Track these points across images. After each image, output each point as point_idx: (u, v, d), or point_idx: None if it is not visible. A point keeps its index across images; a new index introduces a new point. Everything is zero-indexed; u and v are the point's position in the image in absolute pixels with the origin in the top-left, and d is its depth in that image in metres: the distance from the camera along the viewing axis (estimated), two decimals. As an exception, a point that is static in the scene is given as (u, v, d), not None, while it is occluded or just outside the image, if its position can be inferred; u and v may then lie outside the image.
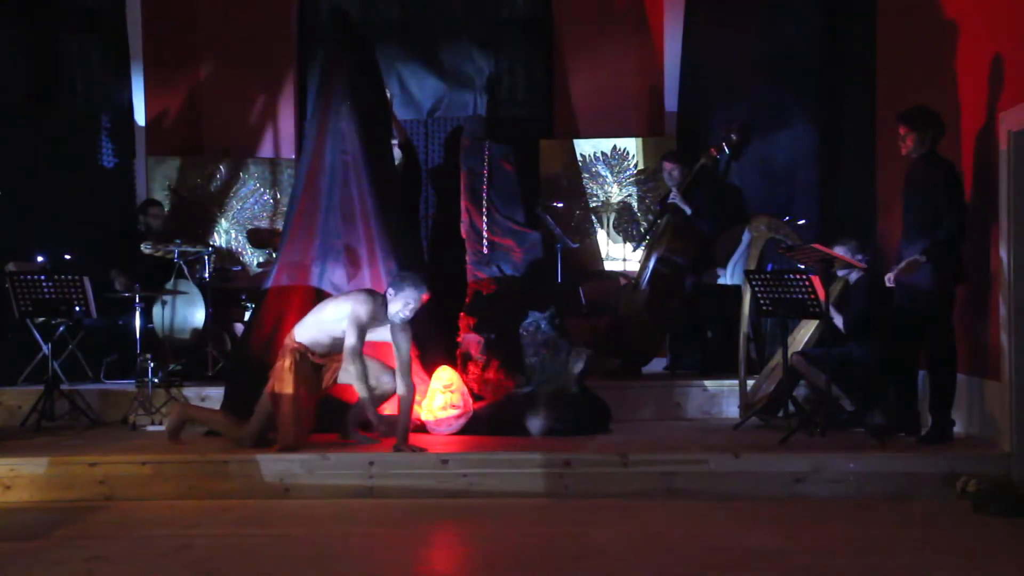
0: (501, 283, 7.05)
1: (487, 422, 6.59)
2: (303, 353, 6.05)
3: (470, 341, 6.89)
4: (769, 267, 7.29)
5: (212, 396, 7.15)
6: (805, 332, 6.91)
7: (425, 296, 5.97)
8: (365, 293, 6.04)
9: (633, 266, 8.58)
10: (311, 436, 6.19)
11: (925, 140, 6.01)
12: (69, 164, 8.56)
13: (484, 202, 7.21)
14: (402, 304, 5.90)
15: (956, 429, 6.20)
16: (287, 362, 6.03)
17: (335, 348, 6.04)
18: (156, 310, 7.84)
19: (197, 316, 7.96)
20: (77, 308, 6.89)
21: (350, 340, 5.85)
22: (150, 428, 6.91)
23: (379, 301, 5.97)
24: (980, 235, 6.17)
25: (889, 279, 6.20)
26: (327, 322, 6.02)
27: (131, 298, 7.39)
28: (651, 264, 7.97)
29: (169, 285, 7.85)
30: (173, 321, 7.89)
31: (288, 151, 9.40)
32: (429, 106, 9.33)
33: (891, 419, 6.27)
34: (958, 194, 5.96)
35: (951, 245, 5.90)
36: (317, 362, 6.11)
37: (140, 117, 9.31)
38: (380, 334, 6.11)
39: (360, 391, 5.88)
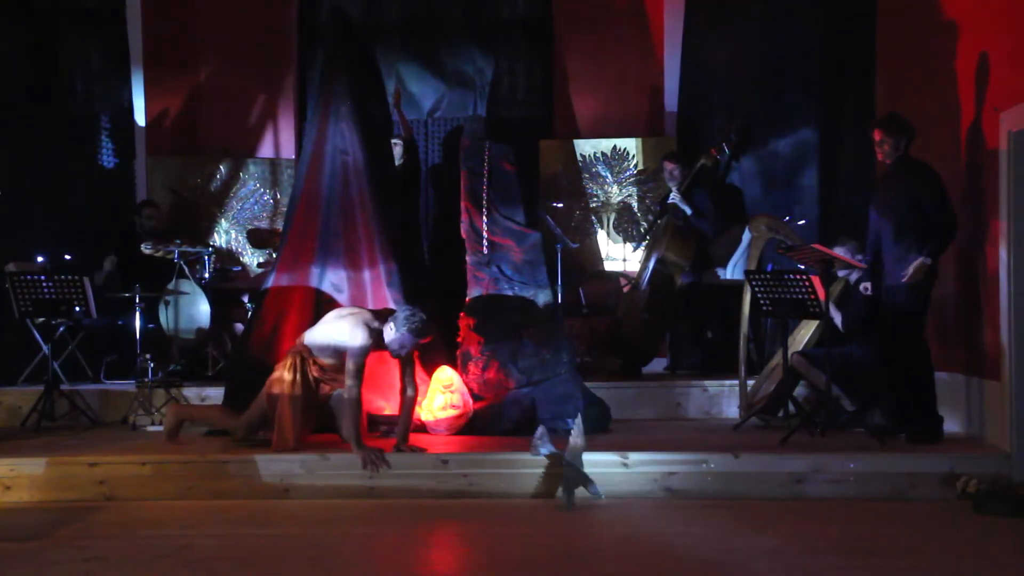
0: (501, 283, 7.04)
1: (487, 422, 6.59)
2: (306, 357, 6.04)
3: (470, 341, 6.89)
4: (769, 267, 7.29)
5: (212, 396, 7.16)
6: (805, 332, 6.91)
7: (424, 341, 5.95)
8: (363, 329, 5.82)
9: (633, 266, 8.58)
10: (311, 436, 6.20)
11: (900, 145, 6.11)
12: (69, 164, 8.57)
13: (484, 202, 7.21)
14: (398, 345, 5.85)
15: (956, 429, 6.20)
16: (289, 363, 6.03)
17: (340, 361, 6.00)
18: (160, 310, 7.85)
19: (203, 315, 7.96)
20: (77, 308, 6.89)
21: (350, 382, 5.77)
22: (150, 428, 6.92)
23: (377, 334, 5.87)
24: (978, 235, 6.18)
25: (867, 288, 6.25)
26: (332, 337, 5.99)
27: (131, 298, 7.40)
28: (651, 264, 7.97)
29: (171, 285, 7.86)
30: (179, 321, 7.90)
31: (288, 151, 9.41)
32: (429, 106, 9.33)
33: (891, 419, 6.27)
34: (945, 193, 5.99)
35: (946, 244, 5.97)
36: (317, 375, 6.09)
37: (140, 117, 9.32)
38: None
39: (348, 433, 5.80)
